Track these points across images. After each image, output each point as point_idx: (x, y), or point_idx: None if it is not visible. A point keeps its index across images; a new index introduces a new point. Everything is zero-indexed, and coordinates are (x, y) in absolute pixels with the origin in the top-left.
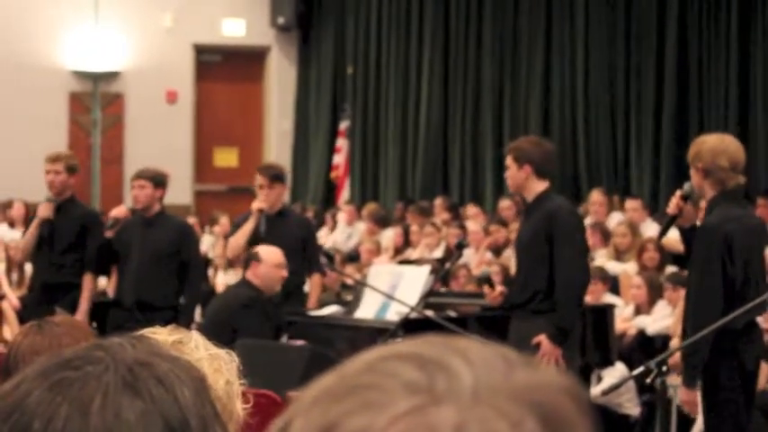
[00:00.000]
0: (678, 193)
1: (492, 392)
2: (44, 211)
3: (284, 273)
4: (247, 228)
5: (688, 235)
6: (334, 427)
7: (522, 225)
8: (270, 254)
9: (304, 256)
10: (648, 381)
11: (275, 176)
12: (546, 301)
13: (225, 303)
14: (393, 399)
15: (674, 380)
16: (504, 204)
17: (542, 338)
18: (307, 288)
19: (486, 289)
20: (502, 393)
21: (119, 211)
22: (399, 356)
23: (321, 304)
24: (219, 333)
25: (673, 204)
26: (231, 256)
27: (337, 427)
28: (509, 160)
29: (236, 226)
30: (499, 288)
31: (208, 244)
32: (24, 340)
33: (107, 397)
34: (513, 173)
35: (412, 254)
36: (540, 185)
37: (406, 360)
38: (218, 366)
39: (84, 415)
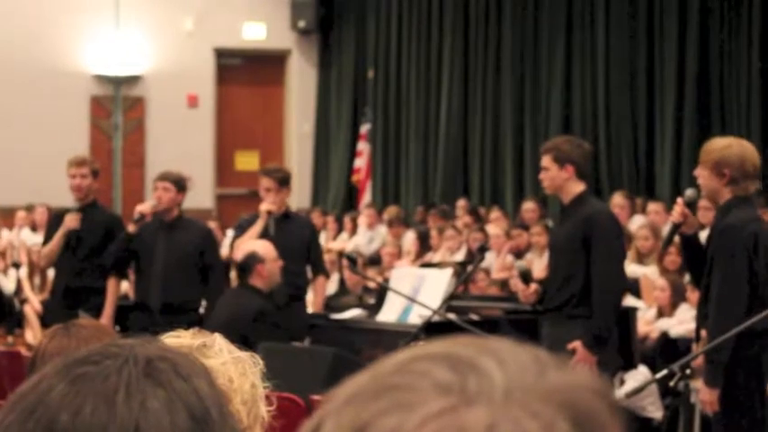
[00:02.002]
0: (680, 200)
1: (524, 393)
2: (72, 222)
3: (281, 263)
4: (255, 230)
5: (691, 242)
6: (365, 426)
7: (557, 228)
8: (267, 250)
9: (308, 258)
10: (672, 384)
11: (284, 179)
12: (581, 306)
13: (234, 315)
14: (425, 399)
15: (698, 383)
16: (528, 207)
17: (577, 345)
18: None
19: (520, 285)
20: (533, 394)
21: (145, 207)
22: (431, 357)
23: (343, 307)
24: (232, 343)
25: (676, 212)
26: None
27: (369, 426)
28: (548, 161)
29: (240, 228)
30: (534, 285)
31: (228, 247)
32: (51, 343)
33: (131, 387)
34: (554, 173)
35: (433, 257)
36: (578, 187)
37: (438, 360)
38: (242, 370)
39: (111, 405)
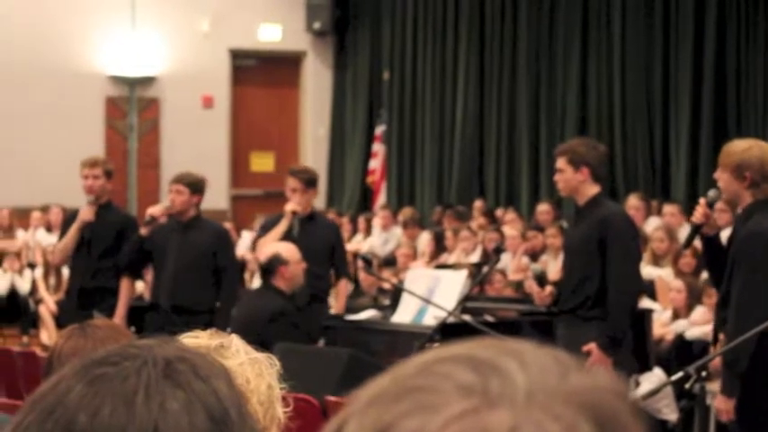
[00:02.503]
0: (702, 201)
1: (546, 395)
2: (86, 214)
3: (304, 265)
4: (279, 230)
5: (712, 243)
6: (388, 428)
7: (572, 229)
8: (291, 252)
9: (332, 260)
10: (687, 386)
11: (310, 181)
12: (596, 307)
13: (252, 317)
14: (447, 401)
15: (714, 386)
16: (542, 208)
17: (593, 347)
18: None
19: (535, 287)
20: (556, 396)
21: (156, 209)
22: (453, 359)
23: (358, 309)
24: (249, 344)
25: (698, 213)
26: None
27: (392, 428)
28: (563, 162)
29: (264, 228)
30: (549, 288)
31: (244, 248)
32: (67, 343)
33: (150, 388)
34: (569, 176)
35: (448, 258)
36: (593, 189)
37: (460, 362)
38: (259, 371)
39: (130, 406)
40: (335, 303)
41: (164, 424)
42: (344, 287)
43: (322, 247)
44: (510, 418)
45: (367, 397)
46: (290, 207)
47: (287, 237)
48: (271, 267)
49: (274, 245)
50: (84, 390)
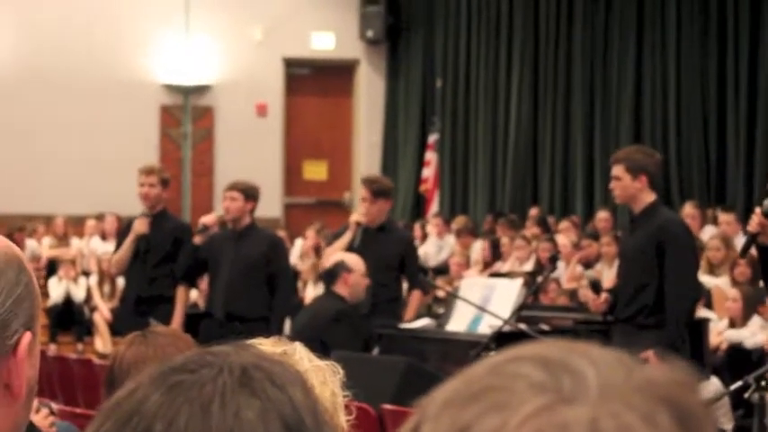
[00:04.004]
0: (758, 210)
1: (619, 389)
2: (140, 226)
3: (368, 280)
4: (344, 240)
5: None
6: (466, 429)
7: (628, 237)
8: (357, 263)
9: (402, 272)
10: (746, 396)
11: (379, 191)
12: (653, 315)
13: (314, 317)
14: (522, 399)
15: None
16: (602, 216)
17: (650, 354)
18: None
19: (590, 294)
20: (629, 390)
21: (209, 219)
22: (523, 359)
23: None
24: (309, 347)
25: (754, 222)
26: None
27: (470, 429)
28: (620, 170)
29: (334, 237)
30: (604, 295)
31: (296, 256)
32: (129, 350)
33: (225, 397)
34: (627, 183)
35: (502, 267)
36: (650, 197)
37: (531, 362)
38: (323, 378)
39: (206, 415)
40: (406, 314)
41: None
42: (417, 298)
43: (387, 259)
44: (587, 412)
45: (440, 400)
46: (353, 218)
47: (350, 248)
48: (334, 273)
49: (341, 254)
50: (161, 398)
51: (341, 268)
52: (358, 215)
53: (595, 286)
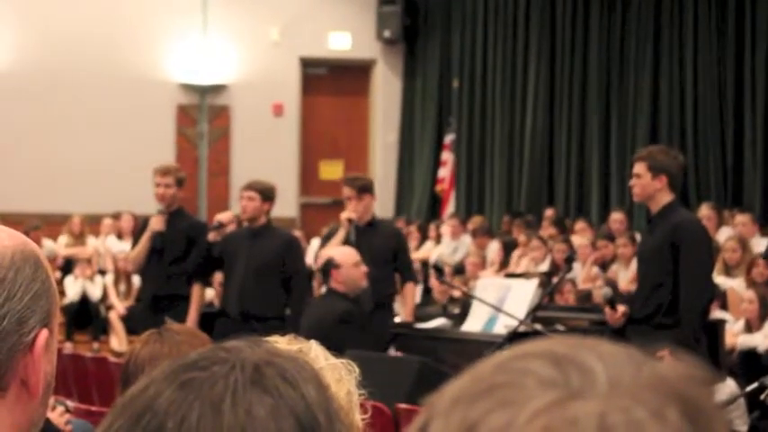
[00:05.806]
0: None
1: (629, 385)
2: (156, 223)
3: (364, 268)
4: (338, 238)
5: None
6: (475, 425)
7: (645, 237)
8: (344, 255)
9: (394, 266)
10: (762, 398)
11: (363, 188)
12: (669, 315)
13: (321, 318)
14: (531, 395)
15: None
16: (616, 217)
17: (665, 354)
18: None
19: (608, 310)
20: (638, 385)
21: (225, 216)
22: (531, 355)
23: (428, 317)
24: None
25: None
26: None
27: (479, 425)
28: (642, 168)
29: (325, 238)
30: (621, 308)
31: (312, 256)
32: (144, 348)
33: (237, 394)
34: (647, 182)
35: (517, 267)
36: (668, 197)
37: (539, 358)
38: (339, 376)
39: (217, 413)
40: (403, 309)
41: (251, 431)
42: (411, 291)
43: (382, 254)
44: (597, 407)
45: (449, 397)
46: (344, 215)
47: (345, 244)
48: (324, 272)
49: (328, 250)
50: (173, 395)
51: (329, 266)
52: (348, 212)
53: (611, 302)
